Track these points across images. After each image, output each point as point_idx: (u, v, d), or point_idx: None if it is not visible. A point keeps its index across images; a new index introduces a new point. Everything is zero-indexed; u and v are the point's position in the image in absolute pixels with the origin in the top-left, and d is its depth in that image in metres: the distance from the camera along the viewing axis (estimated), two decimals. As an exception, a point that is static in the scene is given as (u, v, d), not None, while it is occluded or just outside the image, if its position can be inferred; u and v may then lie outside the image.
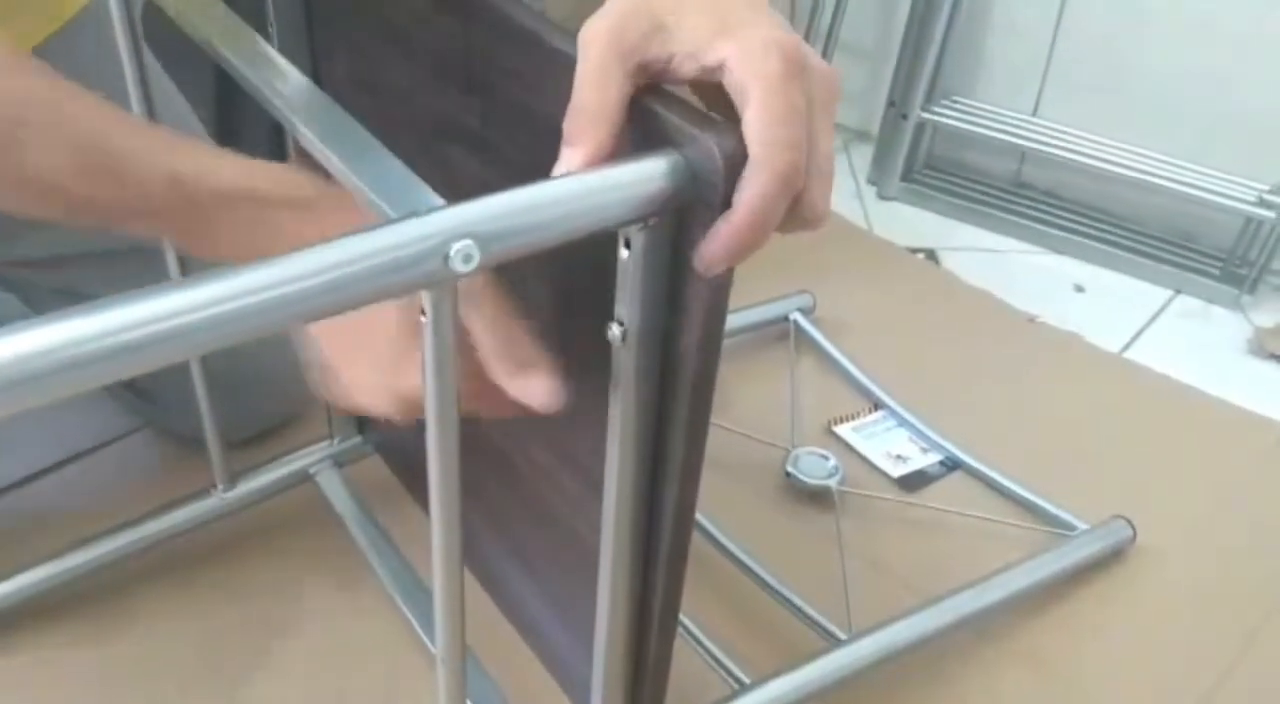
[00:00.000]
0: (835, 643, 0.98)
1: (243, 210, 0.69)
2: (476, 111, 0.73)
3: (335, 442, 1.12)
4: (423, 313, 0.53)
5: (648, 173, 0.55)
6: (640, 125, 0.57)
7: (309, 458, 1.11)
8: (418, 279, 0.51)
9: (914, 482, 1.24)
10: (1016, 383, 1.42)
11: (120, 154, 0.69)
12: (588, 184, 0.54)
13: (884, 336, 1.48)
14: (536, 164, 0.70)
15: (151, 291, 0.45)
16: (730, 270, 0.59)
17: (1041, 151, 1.78)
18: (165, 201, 0.69)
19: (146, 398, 1.15)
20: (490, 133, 0.73)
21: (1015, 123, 1.81)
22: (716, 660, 0.97)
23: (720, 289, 0.59)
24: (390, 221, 0.51)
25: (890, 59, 1.88)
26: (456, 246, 0.50)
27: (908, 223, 1.80)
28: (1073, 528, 1.16)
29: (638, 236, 0.57)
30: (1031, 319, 1.56)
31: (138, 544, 1.03)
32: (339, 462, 1.12)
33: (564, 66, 0.62)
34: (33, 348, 0.43)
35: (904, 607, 1.01)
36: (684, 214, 0.57)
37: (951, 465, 1.27)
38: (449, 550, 0.62)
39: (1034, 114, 1.82)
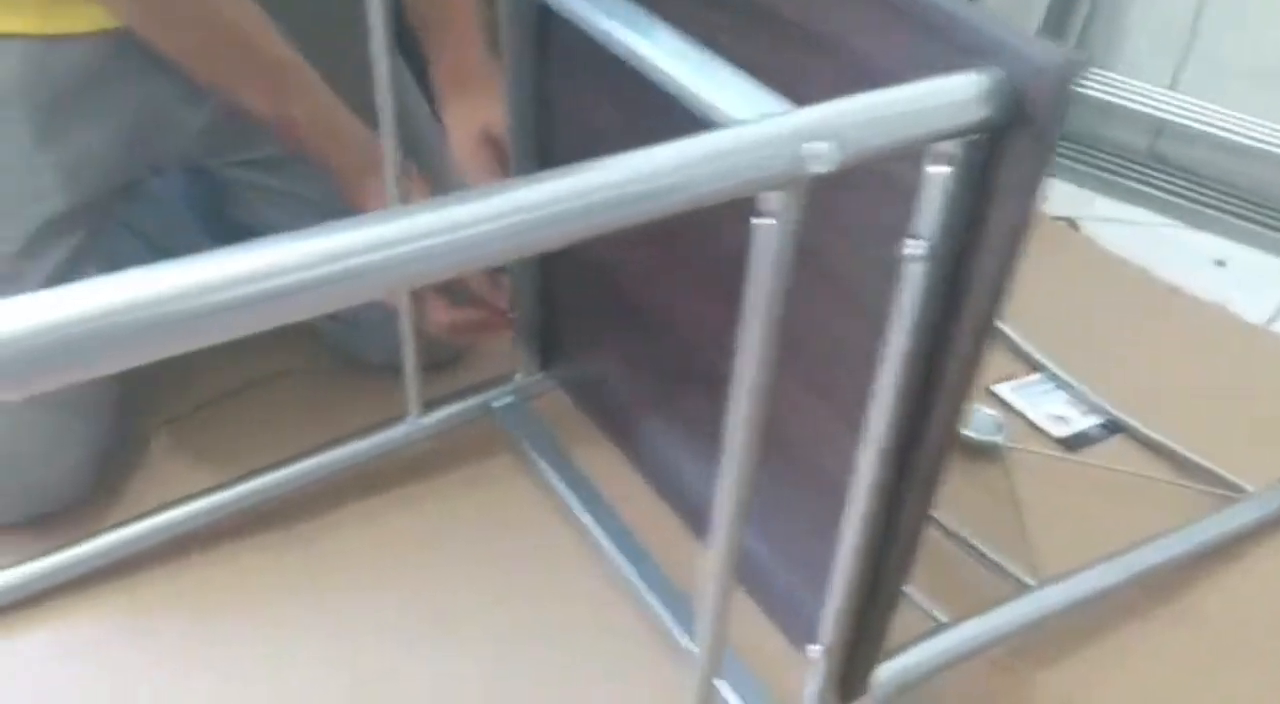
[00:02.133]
0: (1025, 589, 0.99)
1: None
2: (752, 37, 0.75)
3: (520, 376, 1.13)
4: (766, 216, 0.54)
5: (971, 88, 0.56)
6: (963, 41, 0.58)
7: (495, 390, 1.13)
8: (771, 179, 0.52)
9: (1076, 442, 1.25)
10: (1162, 350, 1.42)
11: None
12: (926, 91, 0.55)
13: (1029, 300, 1.47)
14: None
15: (468, 196, 0.46)
16: (1037, 195, 0.60)
17: (1179, 126, 1.77)
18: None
19: (346, 322, 1.17)
20: (764, 57, 0.74)
21: (1153, 96, 1.80)
22: (913, 601, 0.98)
23: (1027, 213, 0.60)
24: (743, 122, 0.53)
25: (1032, 30, 1.87)
26: (813, 147, 0.52)
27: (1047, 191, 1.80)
28: (1240, 491, 1.17)
29: (953, 152, 0.58)
30: (1174, 289, 1.55)
31: (333, 466, 1.06)
32: (525, 395, 1.14)
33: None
34: (318, 253, 0.43)
35: (1083, 560, 1.02)
36: (1001, 133, 0.58)
37: (1113, 429, 1.27)
38: (738, 475, 0.63)
39: (1173, 87, 1.81)
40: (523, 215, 0.47)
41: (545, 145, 0.98)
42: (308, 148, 0.99)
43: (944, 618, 0.94)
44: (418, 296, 1.01)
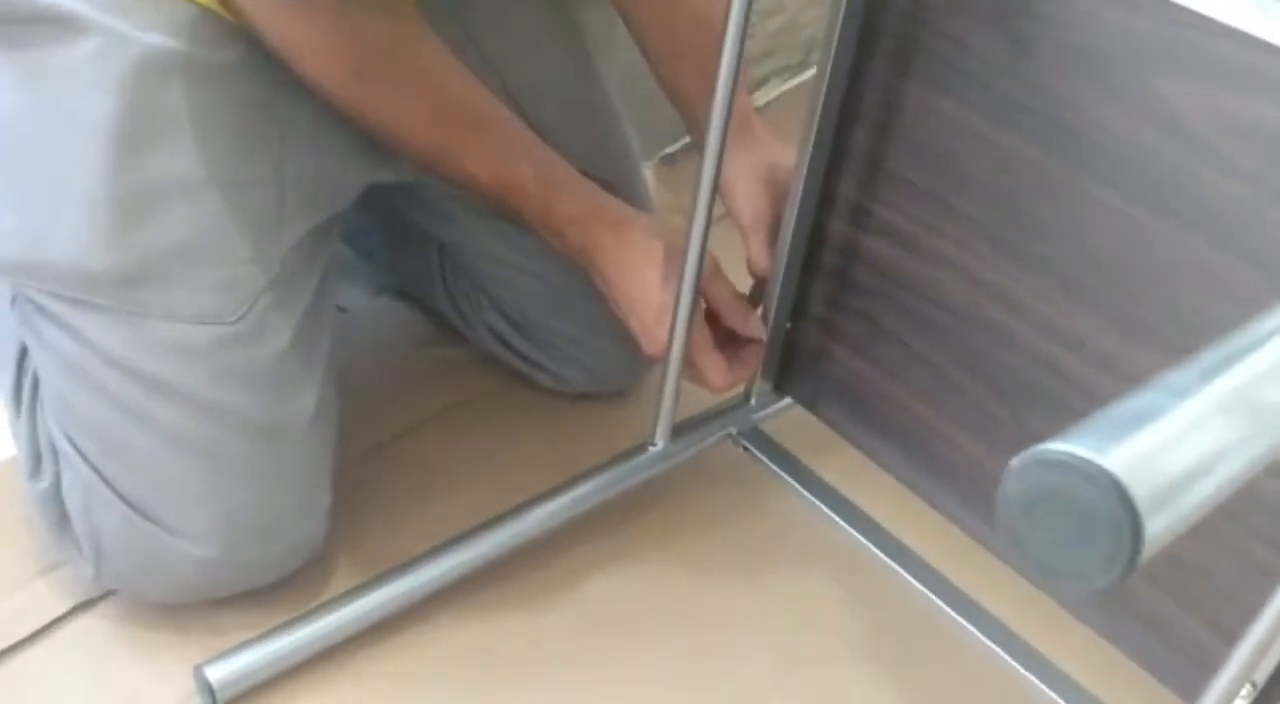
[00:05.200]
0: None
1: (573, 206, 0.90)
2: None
3: (754, 401, 1.05)
4: None
5: None
6: None
7: (732, 414, 1.04)
8: None
9: None
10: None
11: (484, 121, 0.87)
12: None
13: None
14: None
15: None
16: None
17: None
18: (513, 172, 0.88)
19: (540, 346, 1.09)
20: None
21: None
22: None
23: None
24: None
25: None
26: None
27: None
28: None
29: None
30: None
31: (582, 502, 0.97)
32: (760, 418, 1.06)
33: None
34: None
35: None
36: None
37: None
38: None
39: None
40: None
41: (872, 156, 0.90)
42: (531, 211, 0.91)
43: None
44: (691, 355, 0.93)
